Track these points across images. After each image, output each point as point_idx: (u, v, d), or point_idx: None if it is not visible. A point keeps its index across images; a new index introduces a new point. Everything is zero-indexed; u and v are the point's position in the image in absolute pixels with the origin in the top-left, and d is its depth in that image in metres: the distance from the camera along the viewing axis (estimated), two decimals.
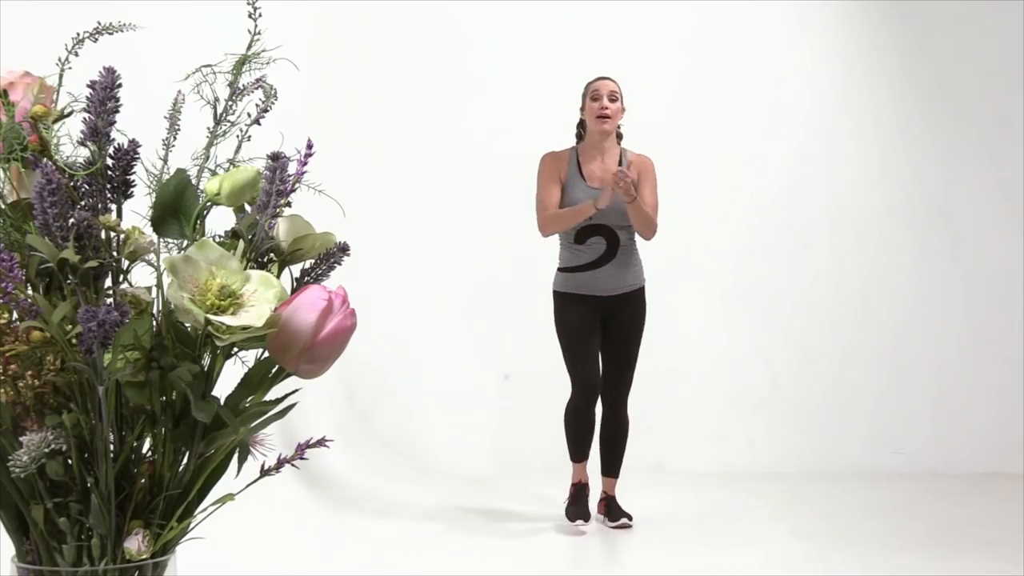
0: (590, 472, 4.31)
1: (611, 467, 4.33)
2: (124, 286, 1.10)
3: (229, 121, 1.18)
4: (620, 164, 4.20)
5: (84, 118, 1.06)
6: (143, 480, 1.09)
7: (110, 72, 1.05)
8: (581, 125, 4.32)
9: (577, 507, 4.25)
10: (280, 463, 1.16)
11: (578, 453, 4.27)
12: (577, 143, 4.32)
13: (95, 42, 1.11)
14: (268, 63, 1.18)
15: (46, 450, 1.02)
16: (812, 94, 5.87)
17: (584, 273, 4.17)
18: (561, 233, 4.20)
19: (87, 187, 1.07)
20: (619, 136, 4.29)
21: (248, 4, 1.16)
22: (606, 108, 4.14)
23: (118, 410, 1.08)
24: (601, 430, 4.31)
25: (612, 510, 4.28)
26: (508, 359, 5.49)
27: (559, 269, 4.25)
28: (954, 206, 5.89)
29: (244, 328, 1.03)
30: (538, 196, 4.20)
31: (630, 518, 4.24)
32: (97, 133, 1.06)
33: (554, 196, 4.16)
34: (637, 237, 4.21)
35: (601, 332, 4.22)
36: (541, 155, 4.24)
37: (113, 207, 1.09)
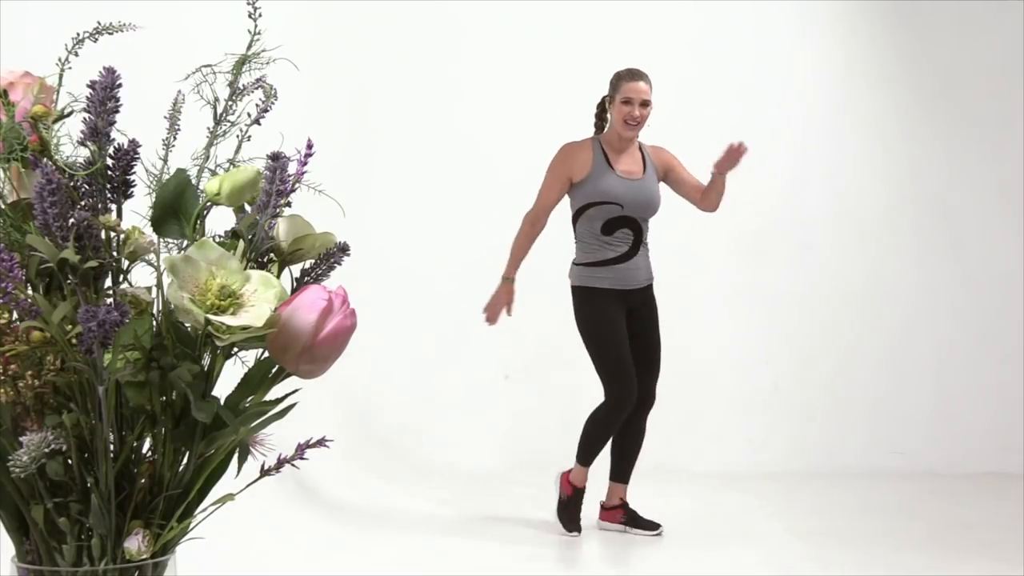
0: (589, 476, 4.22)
1: (626, 473, 4.21)
2: (124, 286, 1.10)
3: (229, 121, 1.18)
4: (642, 155, 4.14)
5: (84, 118, 1.06)
6: (143, 480, 1.09)
7: (110, 72, 1.05)
8: (602, 108, 4.18)
9: (576, 518, 4.15)
10: (280, 463, 1.16)
11: (592, 459, 4.13)
12: (596, 132, 4.19)
13: (95, 42, 1.11)
14: (268, 63, 1.18)
15: (46, 450, 1.02)
16: (813, 94, 5.87)
17: (616, 266, 4.04)
18: (587, 225, 4.07)
19: (87, 187, 1.07)
20: None
21: (248, 4, 1.16)
22: (636, 116, 4.03)
23: (118, 410, 1.08)
24: (625, 432, 4.13)
25: (639, 520, 4.17)
26: (508, 359, 5.48)
27: (583, 264, 4.08)
28: (954, 206, 5.89)
29: (244, 328, 1.03)
30: (541, 192, 4.12)
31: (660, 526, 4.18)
32: (97, 133, 1.06)
33: (554, 200, 4.09)
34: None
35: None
36: (562, 144, 4.11)
37: (113, 207, 1.09)
